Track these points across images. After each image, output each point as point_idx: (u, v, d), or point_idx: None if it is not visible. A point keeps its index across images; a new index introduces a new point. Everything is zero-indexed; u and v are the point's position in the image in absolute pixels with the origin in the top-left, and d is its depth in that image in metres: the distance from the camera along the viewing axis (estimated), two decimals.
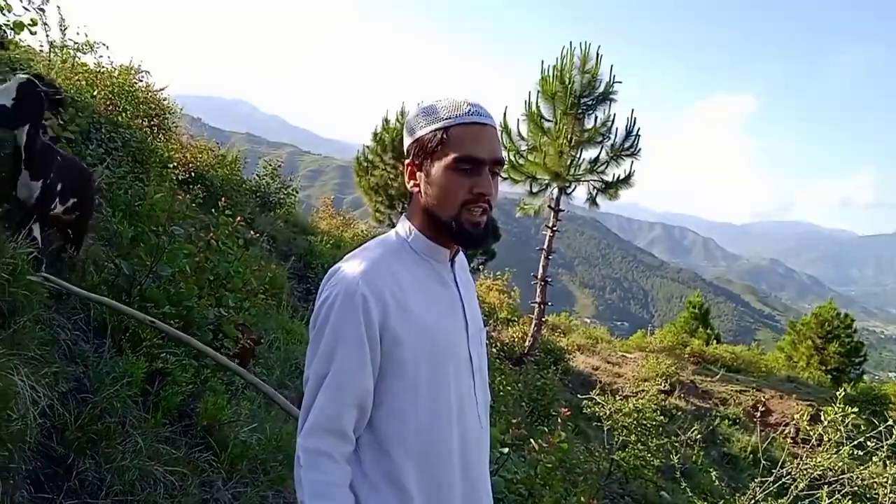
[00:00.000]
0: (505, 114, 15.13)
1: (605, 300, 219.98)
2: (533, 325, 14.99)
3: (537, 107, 14.77)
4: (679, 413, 13.51)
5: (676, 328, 24.02)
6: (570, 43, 14.40)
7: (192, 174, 8.27)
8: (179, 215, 5.68)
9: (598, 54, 14.17)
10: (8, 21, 4.96)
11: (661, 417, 9.91)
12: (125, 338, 3.35)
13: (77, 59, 7.50)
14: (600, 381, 14.49)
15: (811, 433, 6.81)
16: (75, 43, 7.50)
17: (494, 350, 13.37)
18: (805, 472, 6.43)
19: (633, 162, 14.49)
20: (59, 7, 7.03)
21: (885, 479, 6.30)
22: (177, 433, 3.15)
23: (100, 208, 4.85)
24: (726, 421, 14.62)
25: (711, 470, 8.23)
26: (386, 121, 17.21)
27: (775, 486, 6.57)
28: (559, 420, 5.89)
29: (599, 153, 14.53)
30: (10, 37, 5.23)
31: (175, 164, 7.68)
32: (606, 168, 14.59)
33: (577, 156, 14.58)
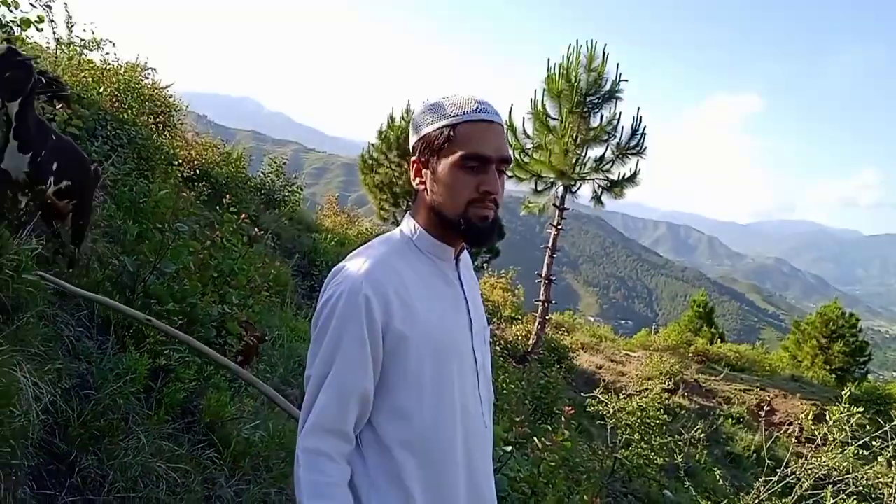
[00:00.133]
0: (510, 112, 15.12)
1: (610, 299, 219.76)
2: (537, 324, 14.97)
3: (543, 105, 14.75)
4: (683, 412, 13.49)
5: (680, 327, 23.97)
6: (577, 41, 14.38)
7: (197, 171, 8.28)
8: (184, 212, 5.69)
9: (604, 52, 14.14)
10: (15, 18, 4.97)
11: (665, 416, 9.90)
12: (129, 334, 3.36)
13: (83, 56, 7.52)
14: (604, 380, 14.46)
15: (816, 432, 6.79)
16: (82, 40, 7.52)
17: (498, 348, 13.36)
18: (810, 471, 6.41)
19: (638, 160, 14.47)
20: (66, 4, 7.04)
21: (889, 479, 6.27)
22: (179, 430, 3.15)
23: (104, 205, 4.87)
24: (730, 420, 14.59)
25: (715, 469, 8.22)
26: (391, 118, 17.19)
27: (780, 485, 6.55)
28: (563, 418, 5.88)
29: (605, 151, 14.49)
30: (16, 33, 5.24)
31: (180, 161, 7.69)
32: (612, 166, 14.55)
33: (583, 154, 14.55)
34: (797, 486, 6.43)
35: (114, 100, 7.00)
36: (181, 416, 3.25)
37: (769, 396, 15.64)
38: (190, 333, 3.71)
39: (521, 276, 20.19)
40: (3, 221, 3.10)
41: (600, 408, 10.00)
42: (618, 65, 14.19)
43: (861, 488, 6.26)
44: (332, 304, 1.38)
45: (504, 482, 4.22)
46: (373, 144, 17.35)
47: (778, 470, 6.68)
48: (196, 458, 3.04)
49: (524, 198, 15.94)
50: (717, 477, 7.54)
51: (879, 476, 6.36)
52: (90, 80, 6.88)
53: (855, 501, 6.00)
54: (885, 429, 6.41)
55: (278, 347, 5.26)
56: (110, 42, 7.86)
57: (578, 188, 15.13)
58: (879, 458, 6.41)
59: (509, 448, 4.67)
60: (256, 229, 6.73)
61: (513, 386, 9.63)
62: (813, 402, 14.71)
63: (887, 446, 6.34)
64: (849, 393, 6.66)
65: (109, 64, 7.76)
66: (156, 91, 8.64)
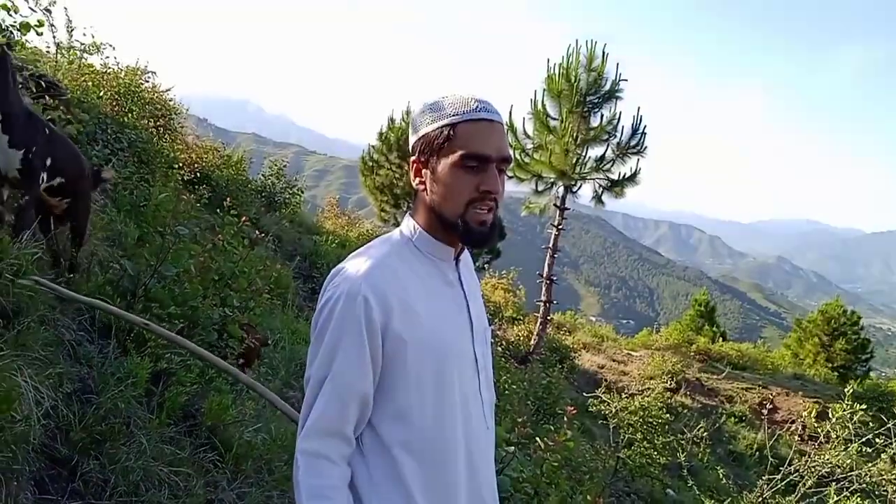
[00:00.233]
0: (510, 112, 15.12)
1: (611, 298, 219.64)
2: (538, 324, 14.96)
3: (543, 105, 14.75)
4: (685, 411, 13.47)
5: (682, 326, 23.95)
6: (577, 41, 14.38)
7: (198, 174, 8.28)
8: (185, 215, 5.69)
9: (604, 52, 14.15)
10: (15, 22, 4.98)
11: (667, 415, 9.89)
12: (130, 338, 3.35)
13: (83, 60, 7.52)
14: (606, 380, 14.47)
15: (819, 430, 6.78)
16: (82, 44, 7.52)
17: (500, 349, 13.36)
18: (813, 469, 6.41)
19: (639, 160, 14.46)
20: (65, 8, 7.05)
21: (893, 476, 6.27)
22: (181, 433, 3.15)
23: (105, 209, 4.87)
24: (732, 418, 14.57)
25: (718, 468, 8.21)
26: (391, 120, 17.21)
27: (783, 483, 6.54)
28: (565, 418, 5.87)
29: (605, 151, 14.49)
30: (16, 38, 5.25)
31: (180, 164, 7.70)
32: (612, 166, 14.55)
33: (583, 154, 14.55)
34: (800, 484, 6.42)
35: (114, 103, 7.01)
36: (183, 420, 3.25)
37: (771, 395, 15.62)
38: (191, 337, 3.71)
39: (522, 276, 20.18)
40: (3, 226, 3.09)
41: (602, 407, 9.99)
42: (617, 64, 14.23)
43: (864, 485, 6.25)
44: (330, 305, 1.37)
45: (507, 482, 4.21)
46: (373, 146, 17.37)
47: (781, 468, 6.67)
48: (198, 461, 3.04)
49: (525, 198, 15.94)
50: (720, 476, 7.53)
51: (883, 473, 6.35)
52: (90, 83, 6.88)
53: (858, 499, 6.00)
54: (889, 426, 6.41)
55: (280, 350, 5.25)
56: (110, 46, 7.86)
57: (579, 188, 15.13)
58: (882, 456, 6.41)
59: (512, 448, 4.66)
60: (257, 232, 6.74)
61: (515, 386, 9.62)
62: (815, 399, 14.69)
63: (890, 443, 6.34)
64: (851, 390, 6.66)
65: (109, 68, 7.76)
66: (156, 94, 8.64)
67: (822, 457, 6.51)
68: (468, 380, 1.50)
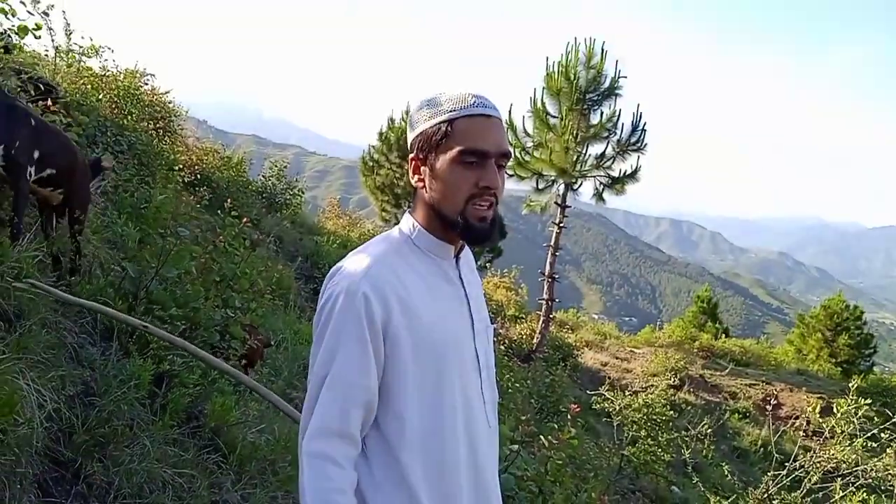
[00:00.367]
0: (510, 111, 15.11)
1: (613, 296, 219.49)
2: (541, 322, 14.96)
3: (542, 103, 14.74)
4: (689, 408, 13.44)
5: (685, 323, 23.92)
6: (575, 39, 14.37)
7: (198, 176, 8.28)
8: (185, 217, 5.69)
9: (602, 49, 14.14)
10: (12, 26, 4.97)
11: (671, 412, 9.88)
12: (132, 340, 3.35)
13: (82, 63, 7.51)
14: (609, 377, 14.45)
15: (824, 425, 6.77)
16: (80, 47, 7.51)
17: (502, 347, 13.35)
18: (818, 464, 6.40)
19: (639, 156, 14.46)
20: (63, 11, 7.03)
21: None
22: (185, 435, 3.14)
23: (106, 211, 4.87)
24: (736, 415, 14.56)
25: (723, 464, 8.20)
26: (391, 120, 17.23)
27: (788, 479, 6.53)
28: (568, 416, 5.87)
29: (606, 148, 14.49)
30: (14, 41, 5.23)
31: (181, 166, 7.69)
32: (613, 163, 14.56)
33: (584, 151, 14.54)
34: (806, 480, 6.41)
35: (113, 106, 7.00)
36: (186, 422, 3.24)
37: (775, 391, 15.61)
38: (193, 338, 3.71)
39: (524, 274, 20.16)
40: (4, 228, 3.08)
41: (606, 405, 9.99)
42: (616, 62, 14.21)
43: (870, 480, 6.24)
44: (330, 304, 1.36)
45: (511, 481, 4.21)
46: (373, 146, 17.38)
47: (786, 464, 6.66)
48: (202, 462, 3.03)
49: (525, 197, 15.93)
50: (726, 472, 7.51)
51: (888, 468, 6.34)
52: (89, 87, 6.88)
53: (864, 494, 5.99)
54: (894, 420, 6.39)
55: (282, 351, 5.25)
56: (109, 49, 7.85)
57: (580, 186, 15.12)
58: (888, 450, 6.39)
59: (516, 447, 4.66)
60: (258, 233, 6.74)
61: (518, 385, 9.62)
62: (819, 395, 14.66)
63: (895, 438, 6.33)
64: (856, 385, 6.64)
65: (108, 71, 7.75)
66: (155, 97, 8.64)
67: (828, 452, 6.49)
68: (470, 378, 1.48)
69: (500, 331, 14.90)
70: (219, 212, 5.92)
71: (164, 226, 4.86)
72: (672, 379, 15.08)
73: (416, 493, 1.36)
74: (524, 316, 17.18)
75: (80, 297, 3.38)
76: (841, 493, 5.89)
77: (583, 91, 14.12)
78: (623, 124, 14.27)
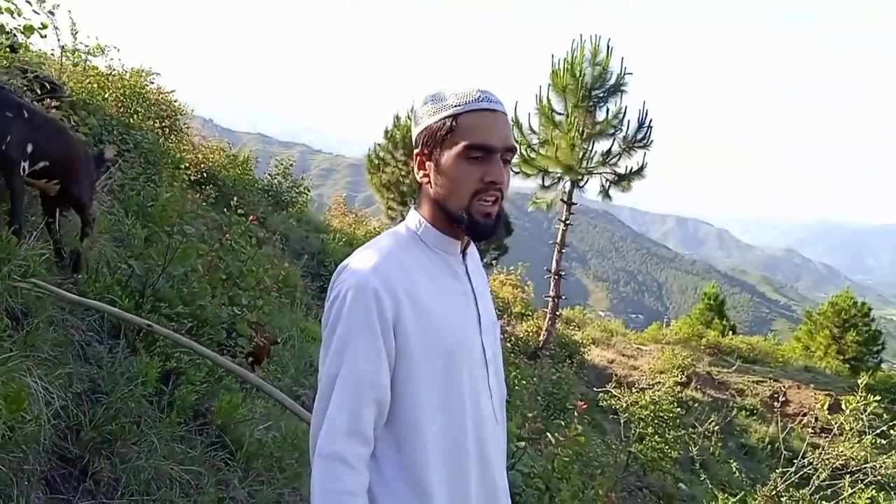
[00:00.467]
0: (516, 108, 15.08)
1: (620, 293, 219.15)
2: (547, 320, 14.94)
3: (548, 100, 14.72)
4: (696, 405, 13.42)
5: (692, 320, 23.88)
6: (581, 36, 14.35)
7: (204, 174, 8.29)
8: (191, 215, 5.69)
9: (608, 46, 14.13)
10: (18, 25, 4.98)
11: (678, 409, 9.87)
12: (139, 338, 3.35)
13: (88, 62, 7.52)
14: (616, 374, 14.43)
15: (832, 422, 6.74)
16: (86, 46, 7.52)
17: (509, 345, 13.34)
18: (827, 461, 6.37)
19: (645, 153, 14.43)
20: (69, 11, 7.04)
21: None
22: (192, 432, 3.14)
23: (112, 209, 4.88)
24: (743, 412, 14.53)
25: (731, 461, 8.17)
26: (396, 118, 17.22)
27: (796, 476, 6.50)
28: (575, 413, 5.86)
29: (612, 145, 14.46)
30: (20, 40, 5.24)
31: (187, 164, 7.70)
32: (619, 160, 14.53)
33: (590, 148, 14.51)
34: (814, 477, 6.39)
35: (119, 105, 7.01)
36: (193, 419, 3.25)
37: (783, 388, 15.57)
38: (200, 335, 3.71)
39: (530, 272, 20.15)
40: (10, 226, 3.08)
41: (613, 402, 9.98)
42: (622, 58, 14.17)
43: (879, 477, 6.21)
44: (340, 301, 1.35)
45: (518, 478, 4.21)
46: (379, 144, 17.37)
47: (794, 461, 6.64)
48: (209, 460, 3.04)
49: (532, 194, 15.91)
50: (733, 469, 7.49)
51: None
52: (96, 86, 6.89)
53: (873, 491, 5.96)
54: None
55: (289, 348, 5.26)
56: (115, 48, 7.86)
57: (586, 183, 15.09)
58: None
59: (522, 444, 4.65)
60: (264, 231, 6.75)
61: (525, 382, 9.61)
62: (826, 392, 14.61)
63: None
64: (864, 382, 6.61)
65: (114, 70, 7.76)
66: (161, 96, 8.65)
67: (837, 449, 6.47)
68: (477, 373, 1.48)
69: (507, 328, 14.89)
70: (225, 210, 5.92)
71: (171, 224, 4.85)
72: (679, 376, 15.05)
73: (425, 488, 1.35)
74: (530, 313, 17.17)
75: (87, 294, 3.39)
76: (850, 490, 5.86)
77: (588, 88, 14.10)
78: (629, 121, 14.26)
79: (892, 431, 6.36)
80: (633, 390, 10.35)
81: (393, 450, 1.37)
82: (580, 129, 14.17)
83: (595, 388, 12.27)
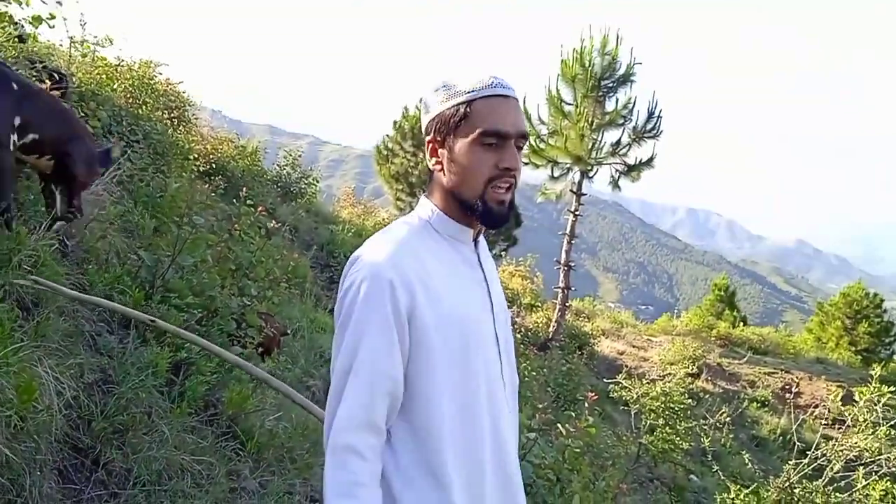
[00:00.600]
0: (524, 99, 15.00)
1: (629, 284, 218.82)
2: (557, 311, 14.90)
3: (557, 90, 14.63)
4: (706, 396, 13.37)
5: (702, 311, 23.78)
6: (590, 26, 14.25)
7: (213, 165, 8.29)
8: (200, 206, 5.69)
9: (618, 36, 14.01)
10: (27, 16, 4.97)
11: (689, 401, 9.84)
12: (149, 328, 3.34)
13: (97, 53, 7.52)
14: (626, 366, 14.39)
15: (846, 414, 6.70)
16: (95, 37, 7.52)
17: (519, 336, 13.31)
18: (840, 453, 6.33)
19: (655, 143, 14.34)
20: (77, 1, 7.03)
21: None
22: (203, 423, 3.15)
23: (122, 200, 4.88)
24: (755, 403, 14.46)
25: (742, 452, 8.14)
26: (405, 109, 17.19)
27: (809, 468, 6.47)
28: (586, 405, 5.85)
29: (621, 135, 14.35)
30: (28, 31, 5.24)
31: (196, 155, 7.70)
32: (628, 150, 14.43)
33: (599, 139, 14.42)
34: (828, 469, 6.35)
35: (128, 96, 7.01)
36: (204, 409, 3.25)
37: (794, 379, 15.49)
38: (210, 326, 3.71)
39: (539, 263, 20.08)
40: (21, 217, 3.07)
41: (623, 393, 9.96)
42: (632, 48, 14.07)
43: (893, 469, 6.16)
44: (354, 290, 1.33)
45: (529, 469, 4.19)
46: (388, 135, 17.35)
47: (807, 452, 6.60)
48: (220, 450, 3.04)
49: (541, 185, 15.85)
50: (746, 460, 7.45)
51: None
52: (104, 77, 6.89)
53: (888, 482, 5.92)
54: None
55: (299, 339, 5.25)
56: (123, 39, 7.85)
57: (595, 173, 15.00)
58: None
59: (533, 435, 4.64)
60: (273, 222, 6.73)
61: (535, 373, 9.60)
62: (838, 383, 14.52)
63: None
64: (878, 374, 6.56)
65: (123, 61, 7.76)
66: (169, 86, 8.65)
67: (850, 440, 6.42)
68: (491, 362, 1.46)
69: (516, 319, 14.87)
70: (234, 201, 5.92)
71: (180, 215, 4.85)
72: (690, 367, 14.99)
73: (442, 477, 1.34)
74: (540, 304, 17.12)
75: (97, 285, 3.39)
76: (863, 482, 5.83)
77: (598, 77, 14.00)
78: (638, 111, 14.17)
79: None
80: (644, 381, 10.32)
81: (409, 438, 1.36)
82: (590, 119, 14.08)
83: (605, 380, 12.24)
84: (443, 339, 1.35)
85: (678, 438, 8.80)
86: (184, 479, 2.68)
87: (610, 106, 14.29)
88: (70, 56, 6.78)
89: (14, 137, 3.05)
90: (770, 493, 6.48)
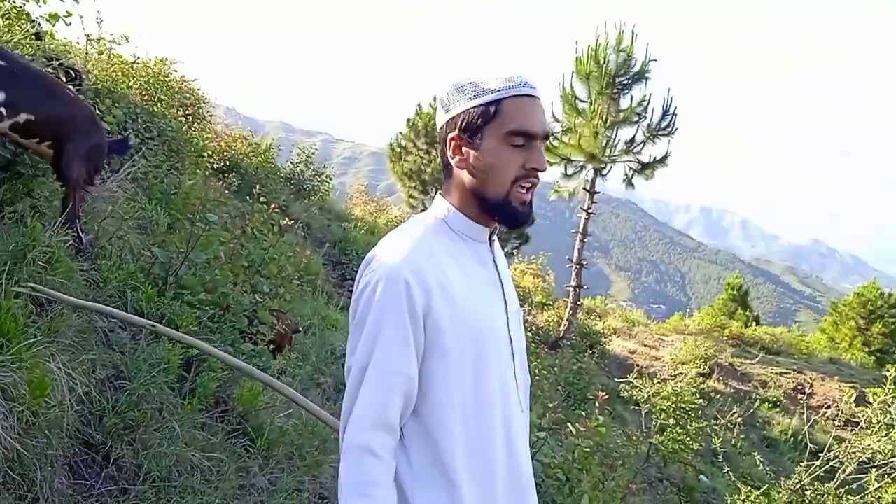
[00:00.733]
0: None
1: (642, 283, 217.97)
2: (568, 309, 14.87)
3: (571, 87, 14.57)
4: (718, 396, 13.30)
5: (715, 310, 23.65)
6: (605, 22, 14.17)
7: (227, 163, 8.34)
8: (214, 203, 5.72)
9: (633, 33, 13.93)
10: (44, 14, 5.02)
11: (700, 400, 9.78)
12: (161, 325, 3.37)
13: (113, 50, 7.57)
14: (637, 365, 14.33)
15: (860, 415, 6.64)
16: (111, 34, 7.57)
17: (530, 334, 13.29)
18: (853, 455, 6.28)
19: (669, 141, 14.25)
20: None
21: None
22: (213, 419, 3.17)
23: (136, 197, 4.91)
24: (766, 404, 14.37)
25: (754, 453, 8.09)
26: (419, 106, 17.19)
27: (821, 469, 6.42)
28: (596, 404, 5.84)
29: (636, 133, 14.27)
30: (45, 28, 5.28)
31: (210, 152, 7.74)
32: (643, 148, 14.35)
33: (613, 136, 14.34)
34: (840, 470, 6.30)
35: (143, 93, 7.06)
36: (214, 406, 3.27)
37: (807, 380, 15.38)
38: (222, 322, 3.73)
39: (551, 261, 20.03)
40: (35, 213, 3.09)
41: (634, 393, 9.92)
42: (647, 45, 13.98)
43: None
44: (369, 290, 1.33)
45: (538, 468, 4.19)
46: (401, 133, 17.35)
47: (819, 454, 6.55)
48: (230, 447, 3.06)
49: (553, 182, 15.80)
50: (757, 461, 7.41)
51: None
52: (120, 74, 6.94)
53: None
54: None
55: (310, 336, 5.27)
56: (139, 37, 7.91)
57: (609, 171, 14.93)
58: None
59: (543, 434, 4.64)
60: (286, 219, 6.76)
61: (545, 372, 9.58)
62: (852, 384, 14.40)
63: None
64: (893, 375, 6.49)
65: (139, 59, 7.81)
66: (184, 84, 8.69)
67: (864, 442, 6.36)
68: (505, 361, 1.47)
69: (528, 317, 14.85)
70: (247, 198, 5.95)
71: (193, 211, 4.87)
72: (701, 367, 14.91)
73: (454, 477, 1.35)
74: (551, 303, 17.08)
75: (111, 282, 3.41)
76: (876, 485, 5.78)
77: (613, 75, 13.92)
78: (653, 109, 14.08)
79: None
80: (655, 381, 10.27)
81: (422, 437, 1.37)
82: (604, 116, 14.01)
83: (616, 379, 12.20)
84: (457, 340, 1.35)
85: (689, 438, 8.75)
86: (194, 475, 2.69)
87: (625, 103, 14.21)
88: (86, 54, 6.83)
89: (3, 112, 2.90)
90: (781, 495, 6.44)
